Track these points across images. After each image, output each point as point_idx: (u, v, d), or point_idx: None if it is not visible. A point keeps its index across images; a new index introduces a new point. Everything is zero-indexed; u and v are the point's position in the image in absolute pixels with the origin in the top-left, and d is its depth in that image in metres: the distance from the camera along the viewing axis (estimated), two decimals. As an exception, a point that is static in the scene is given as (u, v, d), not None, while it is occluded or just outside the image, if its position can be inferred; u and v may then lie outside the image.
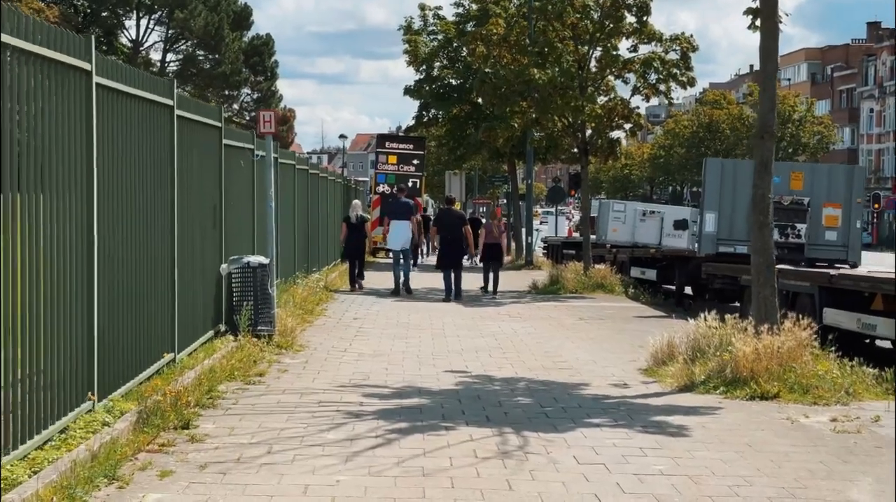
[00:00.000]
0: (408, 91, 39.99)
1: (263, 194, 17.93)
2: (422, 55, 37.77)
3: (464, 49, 38.29)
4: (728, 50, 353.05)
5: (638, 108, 26.57)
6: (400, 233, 23.93)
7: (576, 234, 52.04)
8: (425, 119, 42.06)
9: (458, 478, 7.46)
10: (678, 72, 25.73)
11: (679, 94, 26.38)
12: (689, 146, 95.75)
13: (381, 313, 19.89)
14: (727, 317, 13.00)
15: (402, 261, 23.99)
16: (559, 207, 58.59)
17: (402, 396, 10.82)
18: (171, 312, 11.15)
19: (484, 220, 28.18)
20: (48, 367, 7.40)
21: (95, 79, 8.39)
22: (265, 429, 8.90)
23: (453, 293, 23.08)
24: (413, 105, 41.85)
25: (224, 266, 13.94)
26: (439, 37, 38.91)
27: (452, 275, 23.22)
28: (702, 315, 13.11)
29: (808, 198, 21.42)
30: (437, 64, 39.18)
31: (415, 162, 40.40)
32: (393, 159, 40.31)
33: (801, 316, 12.80)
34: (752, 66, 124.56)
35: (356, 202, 26.73)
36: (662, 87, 26.01)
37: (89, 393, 8.25)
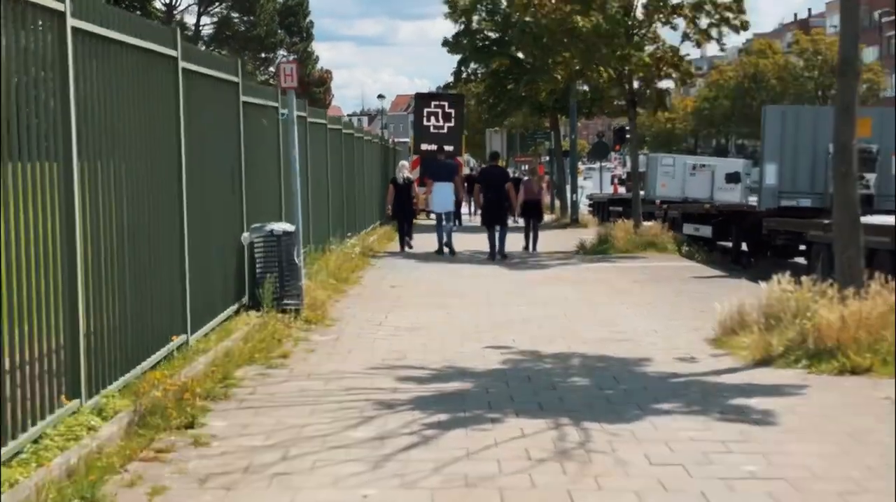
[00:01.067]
0: (446, 44, 38.49)
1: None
2: (461, 6, 36.23)
3: (503, 1, 36.84)
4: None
5: (689, 55, 25.03)
6: (443, 195, 23.88)
7: (621, 190, 50.58)
8: (464, 75, 40.61)
9: (509, 490, 6.17)
10: (731, 15, 24.15)
11: (732, 40, 24.80)
12: (734, 97, 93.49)
13: (421, 279, 18.64)
14: (803, 279, 11.65)
15: (444, 222, 23.77)
16: (603, 163, 57.05)
17: (441, 379, 9.55)
18: (181, 288, 9.93)
19: (526, 178, 26.82)
20: (13, 361, 6.18)
21: (70, 21, 7.13)
22: (283, 427, 7.66)
23: (497, 251, 22.56)
24: (452, 62, 40.20)
25: (245, 235, 12.71)
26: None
27: (497, 234, 22.66)
28: (774, 277, 11.75)
29: (876, 146, 19.89)
30: (476, 17, 37.64)
31: (454, 120, 39.01)
32: (432, 118, 38.95)
33: (882, 275, 11.44)
34: (796, 15, 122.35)
35: (403, 163, 25.97)
36: (714, 33, 24.42)
37: (66, 394, 7.04)
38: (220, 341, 10.38)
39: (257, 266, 12.73)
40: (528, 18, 23.89)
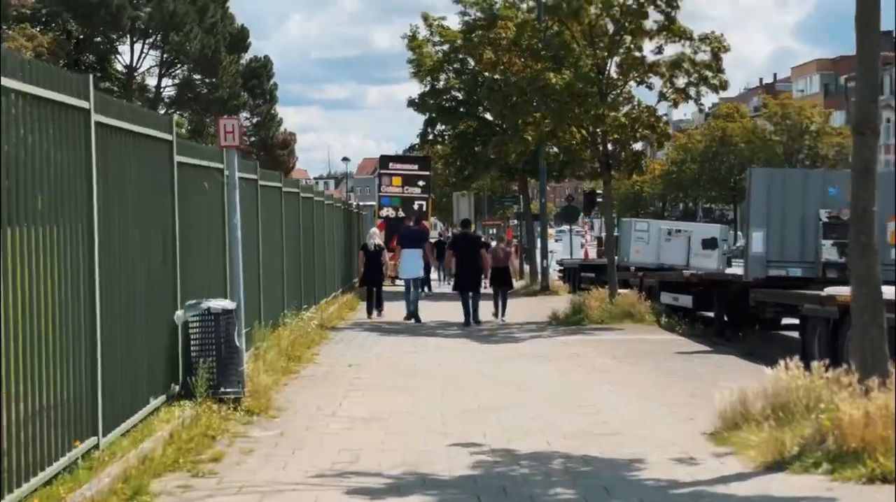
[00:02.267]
0: (412, 104, 37.19)
1: (244, 224, 15.29)
2: (427, 65, 34.96)
3: (470, 61, 35.65)
4: (733, 64, 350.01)
5: (666, 115, 23.75)
6: (412, 262, 23.64)
7: (592, 255, 49.26)
8: (430, 136, 39.33)
9: None
10: (710, 74, 22.96)
11: (705, 101, 23.60)
12: (701, 161, 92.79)
13: (383, 355, 17.11)
14: (814, 364, 10.24)
15: (412, 289, 23.58)
16: (573, 227, 55.78)
17: (400, 492, 8.00)
18: (90, 381, 8.36)
19: (493, 243, 25.85)
20: None
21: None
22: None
23: (472, 318, 22.49)
24: (419, 125, 38.98)
25: (179, 313, 11.18)
26: (444, 47, 36.09)
27: (471, 301, 22.62)
28: (781, 362, 10.34)
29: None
30: (443, 76, 36.41)
31: (420, 183, 37.78)
32: (397, 181, 37.72)
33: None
34: (761, 80, 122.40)
35: (374, 230, 26.39)
36: (692, 92, 23.20)
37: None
38: (139, 442, 8.80)
39: (192, 349, 11.19)
40: (496, 76, 22.57)
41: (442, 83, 36.27)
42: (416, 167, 38.18)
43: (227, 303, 11.32)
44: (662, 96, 23.57)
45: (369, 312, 24.04)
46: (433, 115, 37.63)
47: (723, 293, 21.73)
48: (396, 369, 15.41)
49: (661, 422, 11.08)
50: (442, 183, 61.24)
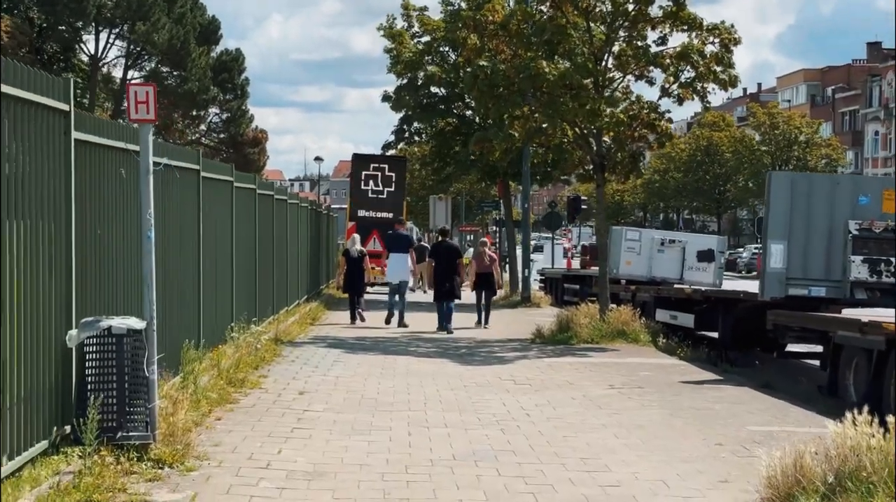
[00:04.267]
0: (387, 99, 34.56)
1: (176, 220, 12.84)
2: (406, 56, 32.41)
3: (452, 55, 33.17)
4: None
5: (669, 112, 21.35)
6: (398, 266, 23.43)
7: (575, 265, 46.91)
8: (406, 134, 36.79)
9: None
10: (719, 68, 20.58)
11: (717, 98, 21.23)
12: (685, 170, 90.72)
13: (342, 379, 14.62)
14: (889, 420, 7.86)
15: (398, 294, 23.29)
16: (554, 235, 53.50)
17: None
18: None
19: (482, 248, 24.10)
20: None
21: None
22: None
23: (445, 324, 22.29)
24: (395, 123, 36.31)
25: (73, 332, 8.68)
26: (425, 38, 33.52)
27: (444, 308, 22.53)
28: (847, 416, 7.96)
29: (901, 223, 16.28)
30: (422, 72, 33.91)
31: (394, 184, 35.28)
32: (370, 181, 35.21)
33: None
34: (745, 90, 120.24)
35: (356, 236, 25.92)
36: (699, 88, 20.80)
37: None
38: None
39: (88, 380, 8.68)
40: (482, 62, 20.08)
41: (421, 79, 33.72)
42: (390, 167, 35.70)
43: (133, 322, 8.78)
44: (665, 92, 21.18)
45: (352, 319, 23.90)
46: (409, 111, 35.08)
47: (729, 312, 19.37)
48: (356, 399, 12.93)
49: (688, 485, 8.66)
50: (418, 186, 58.79)
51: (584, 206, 50.97)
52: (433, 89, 34.58)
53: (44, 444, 8.18)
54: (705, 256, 27.25)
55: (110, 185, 10.03)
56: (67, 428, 8.63)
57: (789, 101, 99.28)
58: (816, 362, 17.02)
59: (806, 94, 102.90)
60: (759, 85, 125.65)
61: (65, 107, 8.62)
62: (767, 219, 16.64)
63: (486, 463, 9.38)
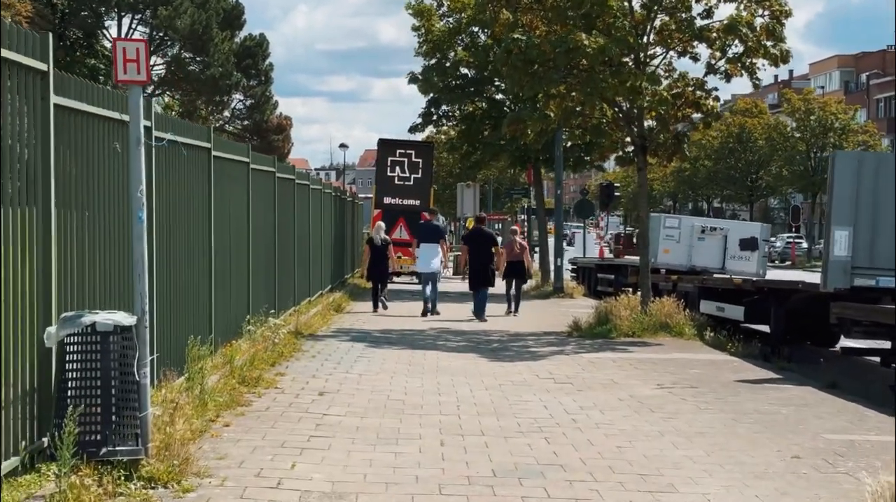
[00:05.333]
0: (414, 80, 33.21)
1: (182, 203, 11.65)
2: (434, 35, 31.05)
3: (481, 35, 31.81)
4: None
5: (717, 90, 19.97)
6: (429, 256, 23.22)
7: (608, 254, 45.58)
8: (434, 117, 35.43)
9: None
10: (770, 43, 19.20)
11: (767, 75, 19.84)
12: (717, 158, 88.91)
13: (365, 378, 13.36)
14: None
15: (430, 283, 22.97)
16: (586, 224, 52.15)
17: None
18: None
19: (513, 237, 23.28)
20: None
21: None
22: None
23: (479, 311, 22.25)
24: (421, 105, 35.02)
25: (51, 330, 7.46)
26: (453, 17, 32.18)
27: (479, 296, 22.43)
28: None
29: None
30: (452, 54, 32.60)
31: (421, 171, 34.03)
32: (397, 167, 33.97)
33: None
34: (776, 77, 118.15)
35: (381, 224, 25.48)
36: (748, 63, 19.42)
37: None
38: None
39: (69, 383, 7.44)
40: (517, 35, 18.72)
41: (450, 60, 32.40)
42: (416, 153, 34.46)
43: (121, 317, 7.52)
44: (711, 68, 19.80)
45: (375, 307, 23.54)
46: (437, 94, 33.74)
47: (782, 304, 18.00)
48: (381, 400, 11.68)
49: (771, 513, 7.37)
50: (444, 173, 57.45)
51: (616, 194, 49.55)
52: (462, 70, 33.26)
53: (13, 462, 6.97)
54: (748, 244, 25.97)
55: (102, 161, 8.79)
56: (46, 441, 7.43)
57: (822, 87, 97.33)
58: (876, 359, 15.74)
59: (839, 81, 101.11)
60: (791, 72, 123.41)
61: (42, 66, 7.39)
62: (831, 203, 15.25)
63: (531, 480, 8.12)
